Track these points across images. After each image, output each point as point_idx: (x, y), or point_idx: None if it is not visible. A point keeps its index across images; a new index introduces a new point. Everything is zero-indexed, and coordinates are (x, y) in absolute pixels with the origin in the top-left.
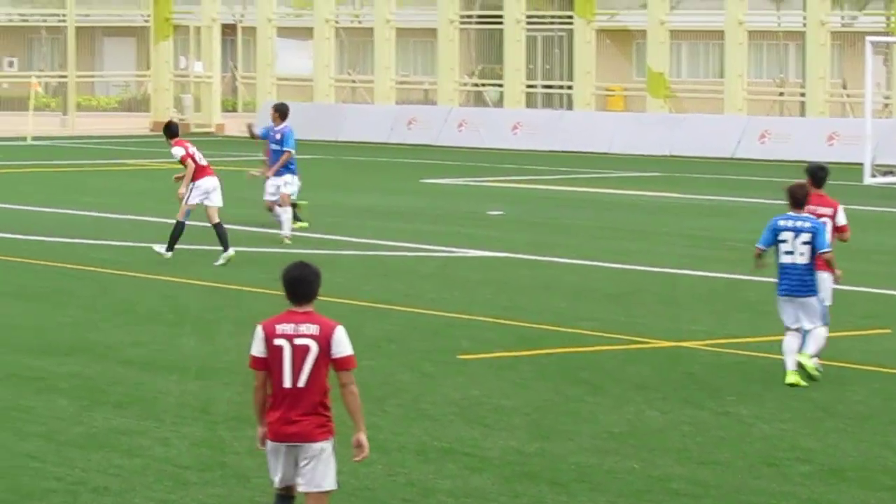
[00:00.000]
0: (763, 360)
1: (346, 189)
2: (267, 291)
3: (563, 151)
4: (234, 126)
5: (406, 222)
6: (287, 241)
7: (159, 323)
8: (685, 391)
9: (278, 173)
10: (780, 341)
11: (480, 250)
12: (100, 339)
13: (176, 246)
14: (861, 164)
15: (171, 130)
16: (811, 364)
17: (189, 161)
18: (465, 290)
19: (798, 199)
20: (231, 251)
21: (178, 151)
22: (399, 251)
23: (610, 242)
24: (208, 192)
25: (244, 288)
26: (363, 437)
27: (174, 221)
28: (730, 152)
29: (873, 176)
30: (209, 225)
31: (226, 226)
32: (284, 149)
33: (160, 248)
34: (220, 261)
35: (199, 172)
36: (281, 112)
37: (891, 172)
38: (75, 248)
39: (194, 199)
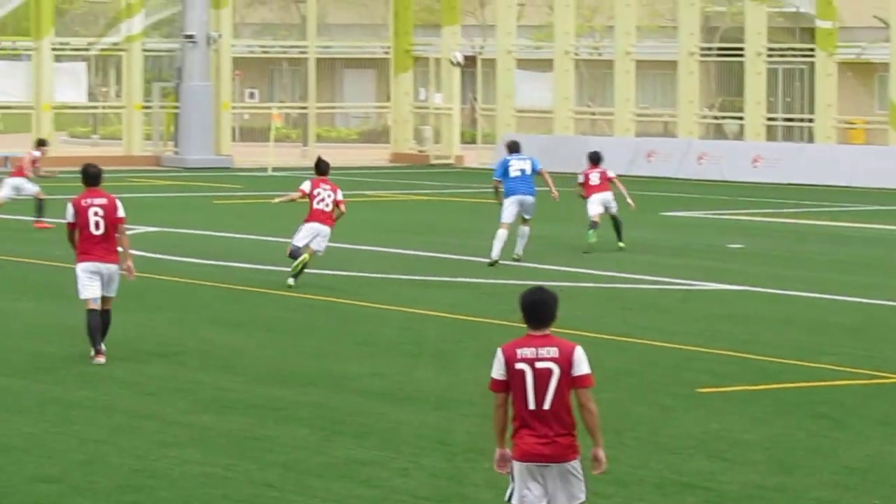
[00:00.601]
0: None
1: (584, 221)
2: (506, 323)
3: (803, 185)
4: (473, 157)
5: (646, 255)
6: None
7: (398, 354)
8: None
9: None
10: None
11: (720, 283)
12: (340, 370)
13: (402, 276)
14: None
15: (319, 168)
16: None
17: (301, 195)
18: (705, 323)
19: None
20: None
21: (304, 185)
22: (639, 284)
23: (850, 276)
24: (314, 237)
25: (483, 319)
26: (601, 452)
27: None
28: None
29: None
30: (444, 256)
31: (464, 257)
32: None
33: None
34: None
35: (313, 215)
36: (510, 148)
37: None
38: (315, 278)
39: (300, 241)
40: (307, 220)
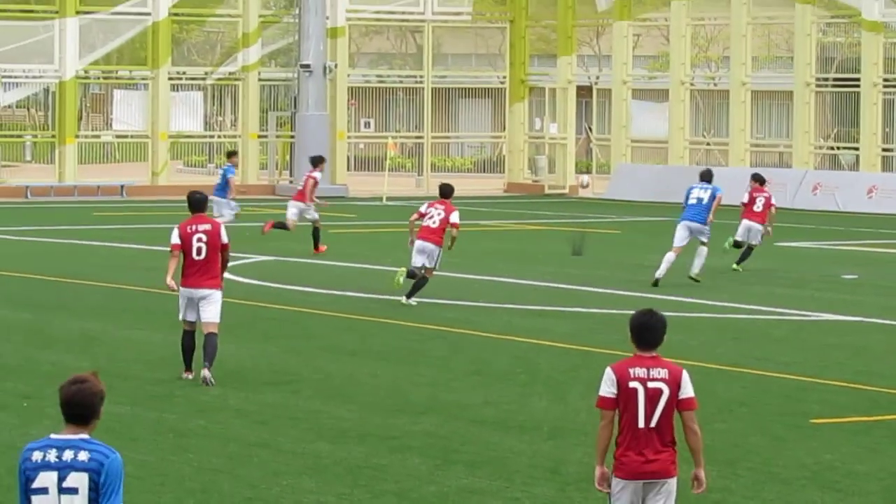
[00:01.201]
0: None
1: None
2: (618, 353)
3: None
4: (589, 188)
5: (760, 285)
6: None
7: (511, 383)
8: None
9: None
10: None
11: (834, 314)
12: (452, 399)
13: (515, 305)
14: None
15: (440, 191)
16: None
17: (417, 217)
18: (818, 353)
19: None
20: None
21: (421, 207)
22: (753, 314)
23: None
24: (421, 254)
25: (597, 349)
26: (702, 473)
27: (503, 280)
28: None
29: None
30: (557, 286)
31: (577, 287)
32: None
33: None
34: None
35: (420, 233)
36: (700, 176)
37: None
38: (429, 308)
39: (413, 261)
40: (416, 239)
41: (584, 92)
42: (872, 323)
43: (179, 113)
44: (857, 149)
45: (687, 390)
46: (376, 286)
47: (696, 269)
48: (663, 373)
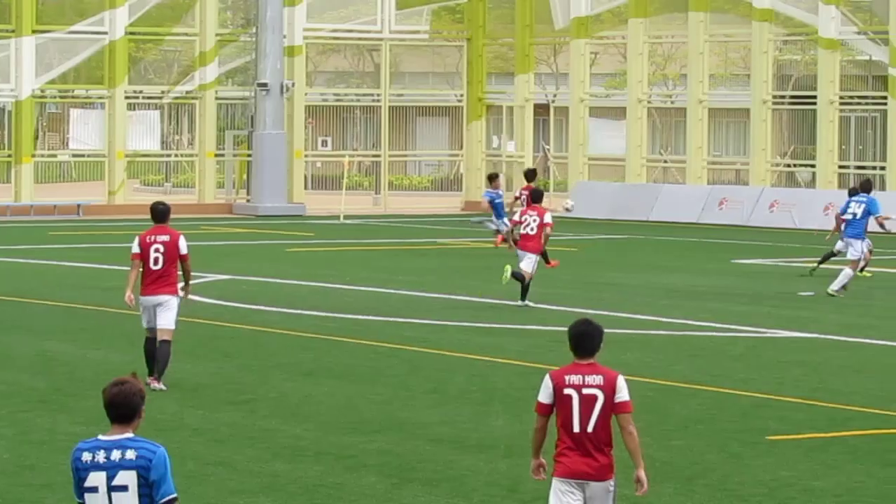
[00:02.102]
0: None
1: (657, 269)
2: None
3: (874, 232)
4: (546, 205)
5: (716, 302)
6: (833, 293)
7: (468, 401)
8: None
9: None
10: None
11: (791, 331)
12: (409, 417)
13: (472, 324)
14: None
15: (532, 196)
16: None
17: (514, 225)
18: (775, 370)
19: None
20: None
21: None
22: (709, 331)
23: None
24: (523, 260)
25: (553, 367)
26: (643, 474)
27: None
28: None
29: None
30: (514, 303)
31: (534, 305)
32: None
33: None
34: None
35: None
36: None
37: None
38: (386, 326)
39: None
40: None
41: (541, 110)
42: (829, 339)
43: (136, 132)
44: (813, 166)
45: (622, 394)
46: (333, 305)
47: (834, 287)
48: (598, 379)
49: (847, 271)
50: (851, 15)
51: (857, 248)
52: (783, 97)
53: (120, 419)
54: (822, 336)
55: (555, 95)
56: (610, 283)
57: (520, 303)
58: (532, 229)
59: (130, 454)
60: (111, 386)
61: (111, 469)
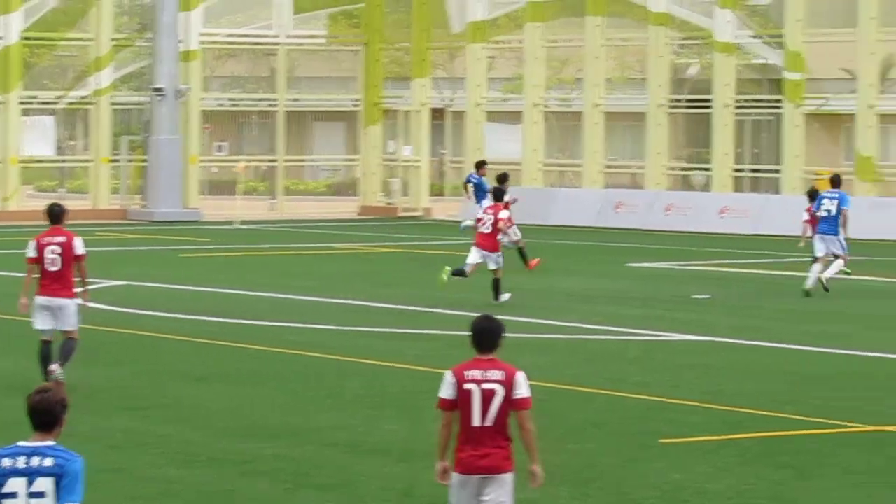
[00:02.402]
0: None
1: (553, 273)
2: None
3: (769, 235)
4: (442, 210)
5: (612, 306)
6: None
7: (363, 406)
8: (890, 476)
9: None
10: None
11: (685, 334)
12: (304, 422)
13: (368, 328)
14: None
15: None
16: None
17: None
18: (669, 374)
19: None
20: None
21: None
22: (604, 335)
23: (813, 326)
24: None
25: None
26: (537, 468)
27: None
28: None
29: None
30: (410, 308)
31: (430, 309)
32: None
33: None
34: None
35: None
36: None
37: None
38: (282, 331)
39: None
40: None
41: (438, 114)
42: (722, 343)
43: (31, 137)
44: (709, 170)
45: (521, 391)
46: (228, 310)
47: (821, 277)
48: (498, 374)
49: (839, 262)
50: (747, 19)
51: (839, 243)
52: (679, 101)
53: (42, 426)
54: (715, 339)
55: (452, 100)
56: (506, 288)
57: (495, 302)
58: (488, 228)
59: (48, 461)
60: (34, 393)
61: (31, 475)
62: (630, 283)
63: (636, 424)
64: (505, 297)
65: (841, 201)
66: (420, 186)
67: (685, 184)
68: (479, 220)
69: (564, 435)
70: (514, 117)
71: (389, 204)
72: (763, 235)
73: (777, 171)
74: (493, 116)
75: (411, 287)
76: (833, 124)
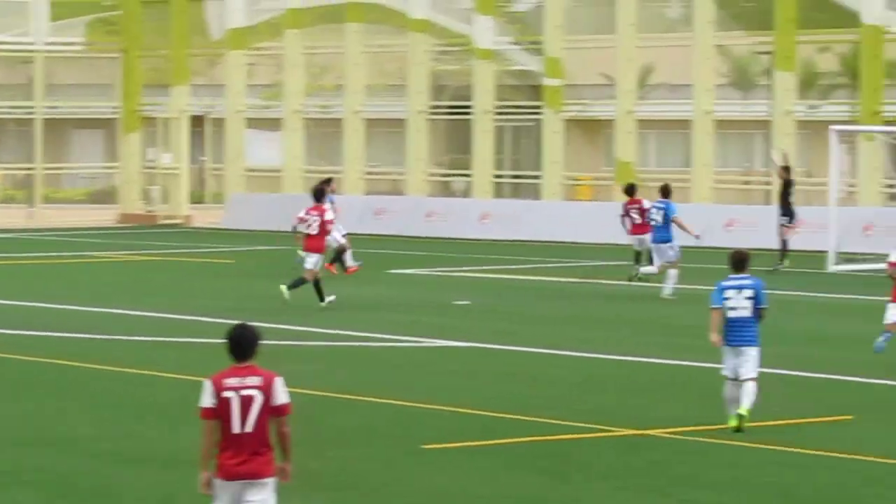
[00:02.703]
0: (726, 448)
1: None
2: None
3: (530, 241)
4: (202, 217)
5: (373, 312)
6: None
7: (125, 415)
8: (650, 479)
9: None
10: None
11: (447, 340)
12: (66, 432)
13: (129, 337)
14: (825, 252)
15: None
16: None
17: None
18: (431, 379)
19: (741, 263)
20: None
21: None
22: (367, 341)
23: (575, 331)
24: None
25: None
26: (288, 467)
27: (116, 312)
28: (696, 241)
29: (837, 264)
30: (171, 316)
31: (192, 317)
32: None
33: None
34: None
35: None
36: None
37: (854, 260)
38: (40, 340)
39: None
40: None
41: (198, 122)
42: (483, 348)
43: None
44: (469, 176)
45: (280, 397)
46: None
47: (665, 292)
48: (257, 380)
49: (672, 272)
50: (507, 25)
51: (672, 250)
52: (439, 107)
53: None
54: (478, 345)
55: (211, 107)
56: (266, 295)
57: (323, 304)
58: (314, 229)
59: None
60: None
61: None
62: (392, 290)
63: (399, 430)
64: (331, 298)
65: (667, 210)
66: (180, 194)
67: (446, 190)
68: (301, 219)
69: (326, 442)
70: (274, 124)
71: (149, 212)
72: (523, 241)
73: (537, 178)
74: (254, 123)
75: (172, 295)
76: (593, 130)
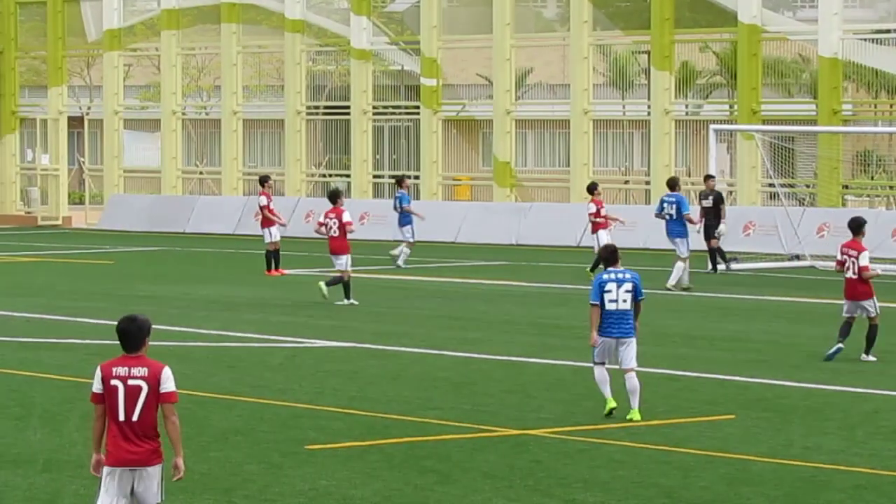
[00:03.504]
0: (609, 448)
1: (193, 281)
2: None
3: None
4: (81, 218)
5: (253, 313)
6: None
7: (5, 416)
8: (532, 479)
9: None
10: (625, 427)
11: (328, 341)
12: None
13: (8, 339)
14: (706, 252)
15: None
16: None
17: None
18: (313, 380)
19: (614, 256)
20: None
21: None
22: (247, 342)
23: (456, 331)
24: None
25: (91, 381)
26: (181, 461)
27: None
28: (576, 241)
29: (718, 263)
30: (52, 318)
31: (72, 319)
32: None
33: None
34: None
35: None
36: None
37: (735, 260)
38: None
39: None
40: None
41: (76, 122)
42: (365, 348)
43: None
44: (348, 176)
45: (167, 385)
46: None
47: (671, 281)
48: (143, 371)
49: (679, 264)
50: (383, 26)
51: (687, 243)
52: (318, 108)
53: None
54: (359, 345)
55: (89, 108)
56: (146, 296)
57: (346, 301)
58: (335, 231)
59: None
60: None
61: None
62: (272, 291)
63: (281, 431)
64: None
65: (680, 205)
66: (59, 195)
67: (325, 190)
68: (320, 223)
69: (208, 443)
70: (152, 125)
71: (28, 213)
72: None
73: (416, 178)
74: (132, 124)
75: (52, 297)
76: (471, 130)
